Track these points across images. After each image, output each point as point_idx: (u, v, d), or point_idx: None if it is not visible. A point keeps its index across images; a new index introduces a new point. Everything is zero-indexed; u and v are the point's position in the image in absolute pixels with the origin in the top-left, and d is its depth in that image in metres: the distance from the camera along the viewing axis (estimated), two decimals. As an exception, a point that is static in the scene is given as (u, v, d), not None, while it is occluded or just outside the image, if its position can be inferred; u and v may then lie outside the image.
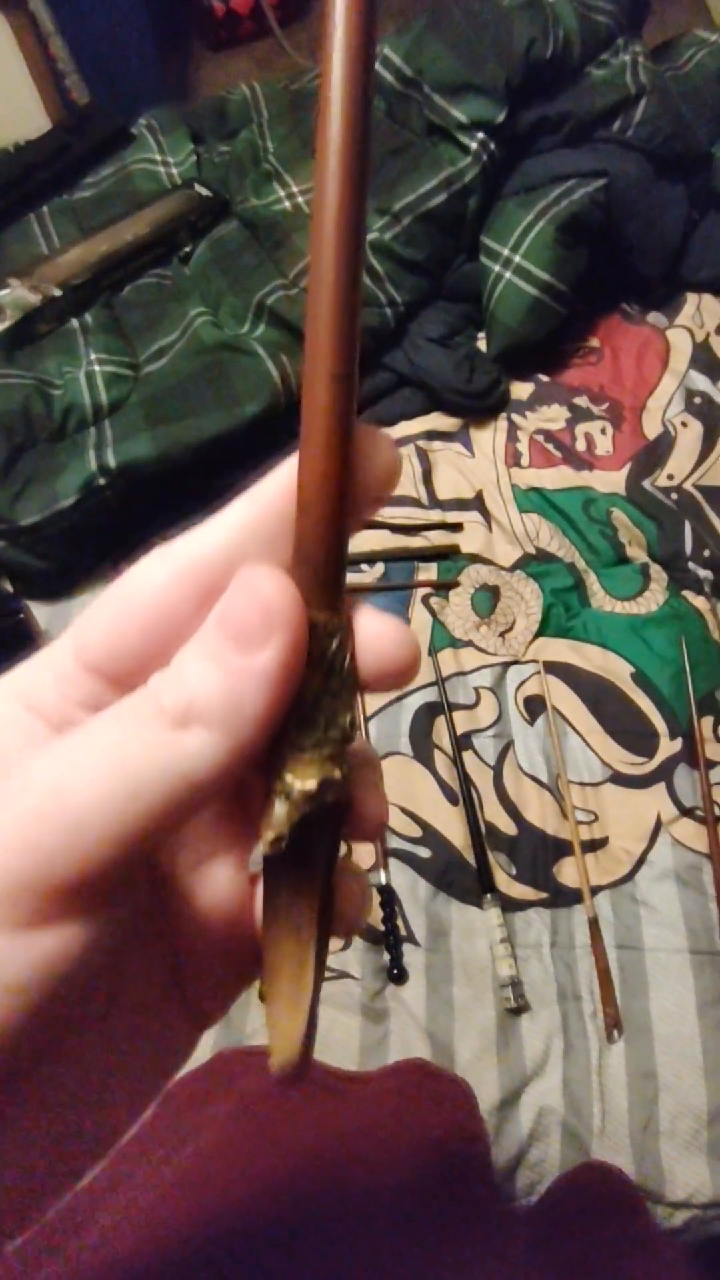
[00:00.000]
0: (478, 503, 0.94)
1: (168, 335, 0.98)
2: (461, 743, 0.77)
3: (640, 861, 0.72)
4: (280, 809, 0.15)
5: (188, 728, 0.13)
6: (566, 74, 1.00)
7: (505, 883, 0.72)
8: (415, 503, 0.94)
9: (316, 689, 0.15)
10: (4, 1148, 0.14)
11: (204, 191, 1.10)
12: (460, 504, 0.94)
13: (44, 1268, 0.33)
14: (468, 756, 0.77)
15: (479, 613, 0.86)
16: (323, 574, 0.15)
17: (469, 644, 0.84)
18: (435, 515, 0.92)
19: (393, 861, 0.72)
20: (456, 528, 0.91)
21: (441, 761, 0.77)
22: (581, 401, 1.00)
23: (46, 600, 0.87)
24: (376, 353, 0.98)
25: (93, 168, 1.18)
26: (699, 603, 0.86)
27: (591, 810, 0.75)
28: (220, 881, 0.17)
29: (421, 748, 0.78)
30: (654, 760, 0.77)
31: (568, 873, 0.72)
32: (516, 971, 0.67)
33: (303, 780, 0.15)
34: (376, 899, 0.70)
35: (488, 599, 0.86)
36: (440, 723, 0.78)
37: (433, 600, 0.86)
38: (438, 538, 0.91)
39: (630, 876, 0.72)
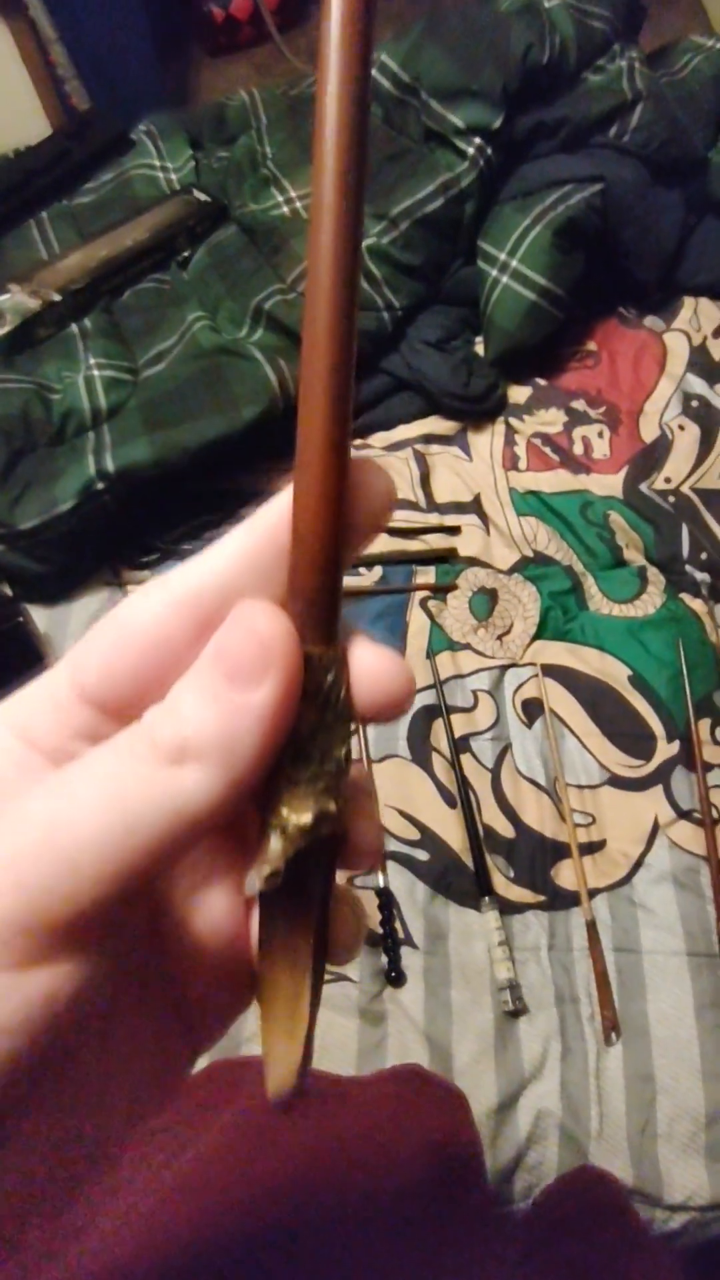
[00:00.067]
0: (475, 506, 0.94)
1: (166, 340, 0.98)
2: (459, 745, 0.77)
3: (638, 864, 0.72)
4: (275, 844, 0.15)
5: (183, 764, 0.13)
6: (563, 80, 1.01)
7: (503, 885, 0.72)
8: (413, 506, 0.94)
9: (312, 723, 0.15)
10: (3, 1159, 0.14)
11: (202, 197, 1.10)
12: (458, 507, 0.94)
13: (44, 1273, 0.33)
14: (466, 759, 0.77)
15: (477, 616, 0.86)
16: (318, 607, 0.15)
17: (467, 647, 0.84)
18: (433, 519, 0.93)
19: (391, 864, 0.72)
20: (454, 531, 0.92)
21: (439, 764, 0.77)
22: (579, 405, 1.01)
23: (45, 604, 0.88)
24: (374, 357, 0.99)
25: (92, 173, 1.18)
26: (696, 605, 0.86)
27: (589, 813, 0.75)
28: (216, 906, 0.17)
29: (419, 750, 0.78)
30: (651, 763, 0.77)
31: (565, 875, 0.72)
32: (514, 974, 0.67)
33: (298, 814, 0.15)
34: (374, 902, 0.70)
35: (485, 602, 0.87)
36: (438, 725, 0.79)
37: (431, 603, 0.87)
38: (435, 541, 0.91)
39: (628, 879, 0.72)
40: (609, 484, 0.95)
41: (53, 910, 0.13)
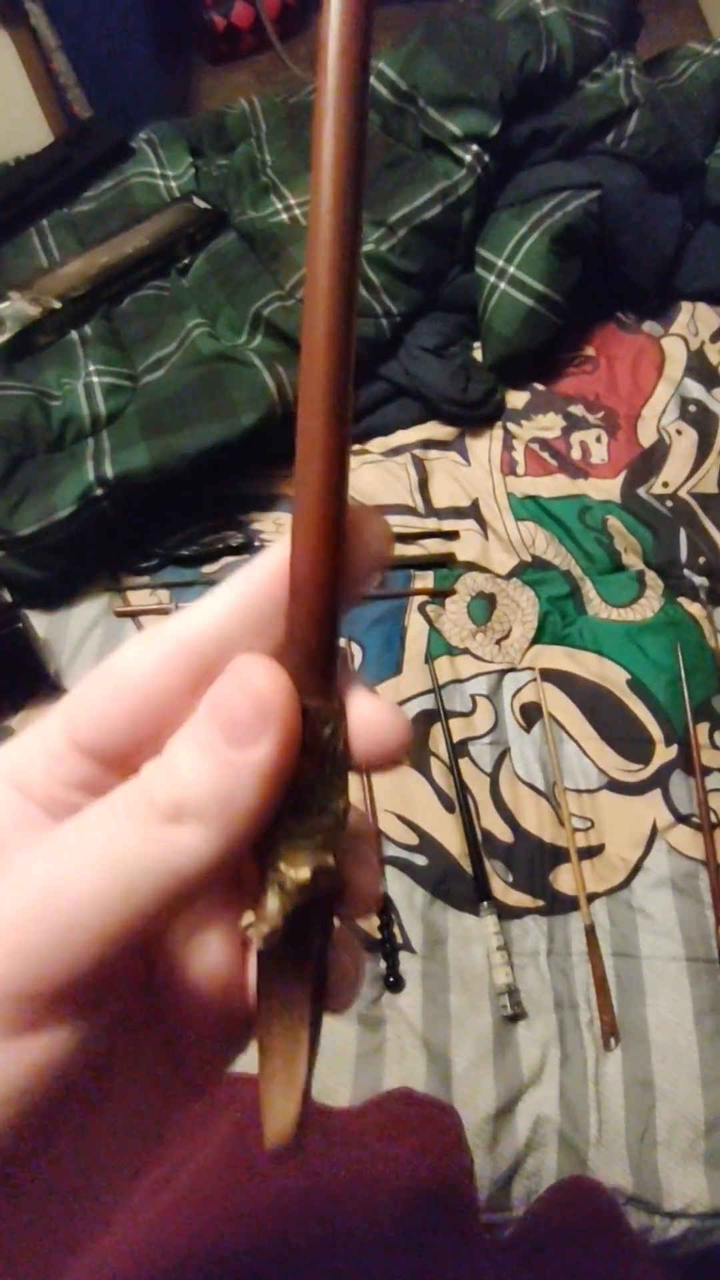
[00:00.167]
0: (474, 511, 0.94)
1: (165, 346, 0.99)
2: (458, 750, 0.77)
3: (636, 869, 0.72)
4: (273, 902, 0.15)
5: (180, 822, 0.13)
6: (560, 87, 1.02)
7: (502, 890, 0.72)
8: (411, 511, 0.94)
9: (310, 775, 0.15)
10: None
11: (202, 204, 1.11)
12: (456, 512, 0.94)
13: None
14: (464, 764, 0.77)
15: (475, 620, 0.86)
16: (316, 658, 0.14)
17: (465, 651, 0.84)
18: (431, 523, 0.93)
19: (389, 869, 0.72)
20: (453, 536, 0.92)
21: (438, 769, 0.77)
22: (577, 410, 1.01)
23: (45, 609, 0.88)
24: (373, 363, 0.99)
25: (93, 181, 1.19)
26: (694, 609, 0.86)
27: (588, 817, 0.75)
28: (211, 950, 0.17)
29: (418, 755, 0.78)
30: (650, 767, 0.77)
31: (564, 880, 0.72)
32: (513, 979, 0.67)
33: (295, 869, 0.15)
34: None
35: (484, 607, 0.87)
36: (437, 730, 0.79)
37: (429, 608, 0.87)
38: (434, 546, 0.91)
39: (626, 884, 0.72)
40: (607, 489, 0.95)
41: (50, 975, 0.13)
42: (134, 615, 0.87)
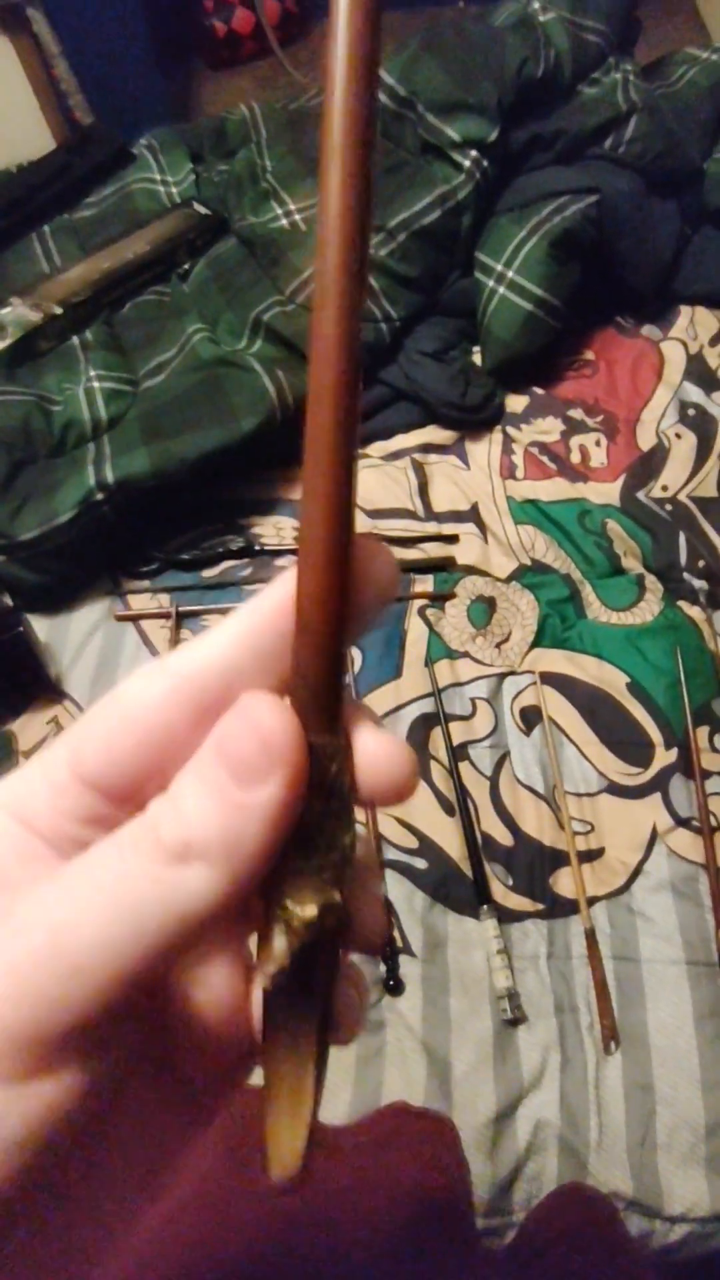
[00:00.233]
0: (473, 515, 0.94)
1: (166, 351, 0.99)
2: (458, 753, 0.77)
3: (636, 872, 0.72)
4: (280, 942, 0.15)
5: (188, 863, 0.13)
6: (558, 93, 1.02)
7: (502, 894, 0.72)
8: (411, 515, 0.94)
9: (316, 812, 0.14)
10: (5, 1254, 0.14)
11: (202, 210, 1.11)
12: (456, 516, 0.94)
13: None
14: (464, 767, 0.77)
15: (475, 624, 0.86)
16: (322, 694, 0.14)
17: (465, 655, 0.84)
18: (431, 527, 0.93)
19: (389, 873, 0.72)
20: (452, 540, 0.92)
21: (438, 772, 0.77)
22: (576, 414, 1.01)
23: (46, 614, 0.88)
24: (372, 368, 0.99)
25: (94, 187, 1.19)
26: (694, 613, 0.86)
27: (588, 821, 0.75)
28: (217, 981, 0.16)
29: (418, 759, 0.78)
30: (649, 770, 0.77)
31: (564, 884, 0.72)
32: (513, 983, 0.67)
33: (302, 907, 0.15)
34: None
35: (484, 610, 0.87)
36: (437, 733, 0.79)
37: (429, 611, 0.87)
38: (434, 550, 0.91)
39: (626, 887, 0.72)
40: (606, 492, 0.95)
41: (57, 1019, 0.12)
42: (134, 619, 0.88)
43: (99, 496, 0.84)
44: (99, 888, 0.13)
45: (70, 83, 1.51)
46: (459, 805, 0.74)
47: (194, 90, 1.96)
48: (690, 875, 0.72)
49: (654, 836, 0.74)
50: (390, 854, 0.73)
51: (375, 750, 0.15)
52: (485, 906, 0.70)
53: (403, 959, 0.69)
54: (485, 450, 0.99)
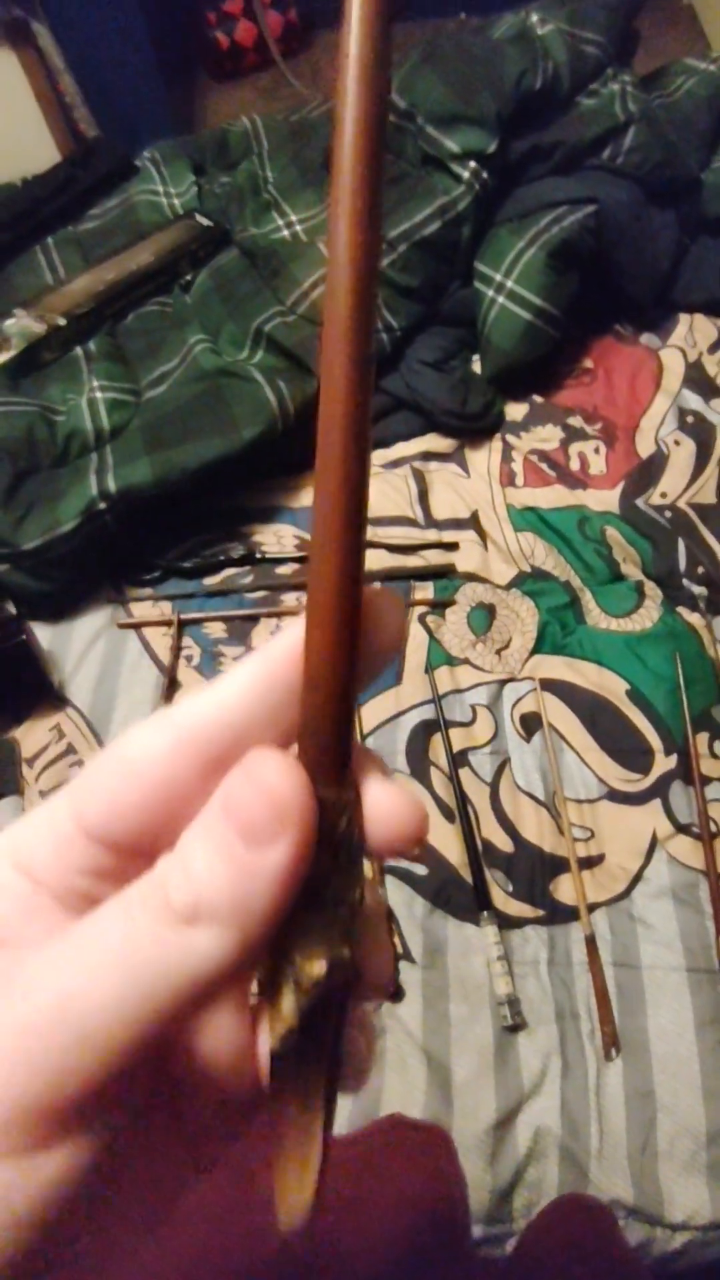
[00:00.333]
0: (473, 522, 0.95)
1: (168, 362, 1.00)
2: (458, 760, 0.78)
3: (636, 878, 0.72)
4: (289, 1000, 0.14)
5: (196, 925, 0.13)
6: (557, 104, 1.03)
7: (502, 900, 0.72)
8: (411, 523, 0.95)
9: (325, 867, 0.14)
10: None
11: (205, 221, 1.13)
12: (456, 523, 0.95)
13: None
14: (464, 774, 0.77)
15: (475, 631, 0.87)
16: (331, 748, 0.14)
17: (465, 662, 0.85)
18: (431, 535, 0.94)
19: (389, 879, 0.73)
20: (452, 547, 0.93)
21: (438, 779, 0.78)
22: (575, 421, 1.02)
23: (48, 621, 0.89)
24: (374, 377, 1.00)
25: (98, 199, 1.21)
26: (694, 620, 0.87)
27: (588, 827, 0.75)
28: (222, 1025, 0.16)
29: (418, 765, 0.78)
30: (649, 777, 0.77)
31: (564, 890, 0.72)
32: (514, 989, 0.67)
33: (311, 964, 0.14)
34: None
35: (484, 617, 0.87)
36: (437, 740, 0.79)
37: (429, 618, 0.87)
38: (434, 557, 0.92)
39: (627, 893, 0.72)
40: (606, 499, 0.96)
41: (64, 1089, 0.12)
42: (136, 627, 0.88)
43: (101, 506, 0.85)
44: (107, 950, 0.13)
45: (74, 95, 1.52)
46: (459, 811, 0.75)
47: (197, 102, 1.98)
48: (690, 881, 0.72)
49: (654, 843, 0.74)
50: (390, 860, 0.74)
51: (385, 803, 0.15)
52: (485, 913, 0.70)
53: (403, 965, 0.69)
54: (485, 458, 1.00)
